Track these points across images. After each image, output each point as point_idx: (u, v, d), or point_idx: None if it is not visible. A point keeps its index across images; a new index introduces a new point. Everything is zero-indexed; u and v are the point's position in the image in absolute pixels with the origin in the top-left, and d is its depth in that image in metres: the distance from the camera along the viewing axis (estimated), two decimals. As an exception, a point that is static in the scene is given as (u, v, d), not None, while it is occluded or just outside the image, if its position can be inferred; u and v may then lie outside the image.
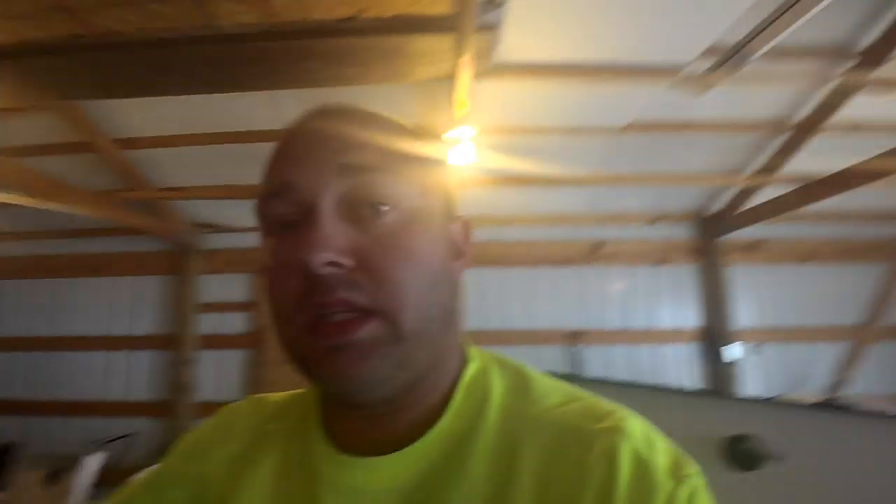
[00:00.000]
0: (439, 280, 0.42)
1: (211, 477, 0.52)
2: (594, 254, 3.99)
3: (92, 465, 2.07)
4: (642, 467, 0.38)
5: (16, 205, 3.67)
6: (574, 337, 3.83)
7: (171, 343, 4.01)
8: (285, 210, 0.41)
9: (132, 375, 4.08)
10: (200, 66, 1.87)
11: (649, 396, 1.55)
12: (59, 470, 2.12)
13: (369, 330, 0.38)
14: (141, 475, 0.58)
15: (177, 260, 4.11)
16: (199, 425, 0.58)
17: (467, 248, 0.48)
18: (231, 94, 2.55)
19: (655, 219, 4.00)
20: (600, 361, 3.84)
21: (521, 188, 3.54)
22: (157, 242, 4.15)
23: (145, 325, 4.14)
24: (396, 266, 0.39)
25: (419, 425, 0.44)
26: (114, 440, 3.36)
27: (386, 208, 0.40)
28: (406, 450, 0.43)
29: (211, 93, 2.45)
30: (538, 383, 0.47)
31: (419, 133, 0.47)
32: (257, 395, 0.59)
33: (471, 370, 0.48)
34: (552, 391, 0.46)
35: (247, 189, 3.46)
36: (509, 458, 0.41)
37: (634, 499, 0.37)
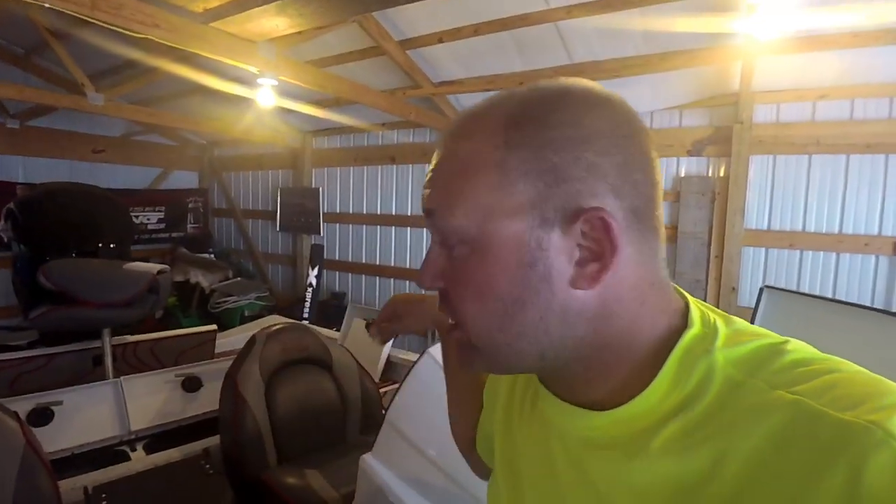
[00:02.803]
0: (514, 308, 0.40)
1: (496, 394, 0.61)
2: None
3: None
4: None
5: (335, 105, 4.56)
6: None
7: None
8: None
9: (421, 249, 4.93)
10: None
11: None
12: (375, 319, 2.78)
13: (457, 335, 0.44)
14: None
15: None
16: None
17: (606, 245, 0.38)
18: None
19: None
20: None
21: (842, 51, 2.69)
22: (438, 134, 4.68)
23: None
24: (460, 298, 0.42)
25: (628, 390, 0.41)
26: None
27: (452, 243, 0.42)
28: (607, 412, 0.41)
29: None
30: (783, 356, 0.37)
31: (518, 134, 0.39)
32: None
33: (686, 339, 0.40)
34: (800, 363, 0.36)
35: (508, 79, 3.53)
36: (715, 444, 0.35)
37: None
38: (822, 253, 3.21)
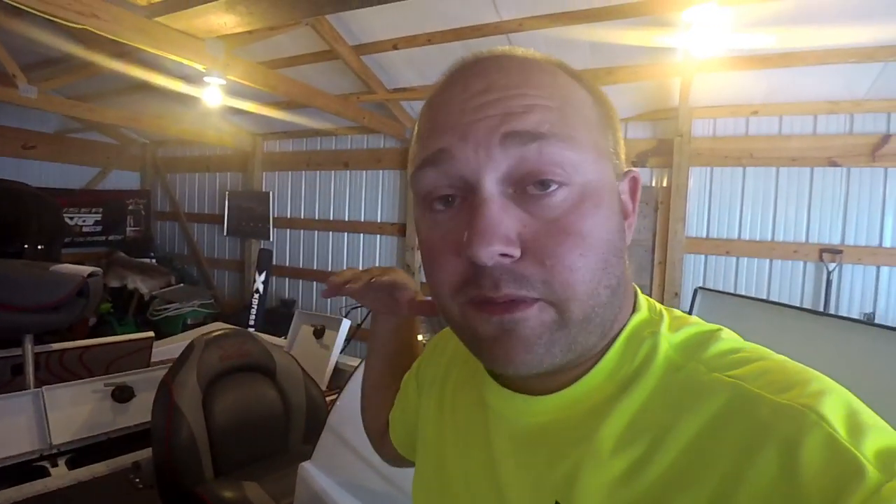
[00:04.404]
0: (612, 258, 0.36)
1: (424, 383, 0.59)
2: (876, 153, 3.11)
3: (345, 326, 2.62)
4: (837, 456, 0.28)
5: (288, 108, 4.45)
6: (829, 254, 3.18)
7: (404, 230, 4.61)
8: (442, 182, 0.37)
9: (374, 255, 4.88)
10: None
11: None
12: (323, 326, 2.74)
13: (536, 314, 0.35)
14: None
15: (406, 156, 4.59)
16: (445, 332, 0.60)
17: (635, 206, 0.41)
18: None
19: None
20: (859, 286, 3.17)
21: (771, 71, 2.87)
22: (391, 140, 4.65)
23: (384, 213, 4.81)
24: (569, 255, 0.34)
25: (575, 372, 0.40)
26: (358, 307, 4.14)
27: (555, 185, 0.34)
28: (552, 395, 0.40)
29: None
30: (717, 342, 0.38)
31: (587, 79, 0.40)
32: None
33: (633, 321, 0.40)
34: (733, 351, 0.37)
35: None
36: (657, 427, 0.35)
37: (822, 495, 0.28)
38: (756, 259, 3.40)
